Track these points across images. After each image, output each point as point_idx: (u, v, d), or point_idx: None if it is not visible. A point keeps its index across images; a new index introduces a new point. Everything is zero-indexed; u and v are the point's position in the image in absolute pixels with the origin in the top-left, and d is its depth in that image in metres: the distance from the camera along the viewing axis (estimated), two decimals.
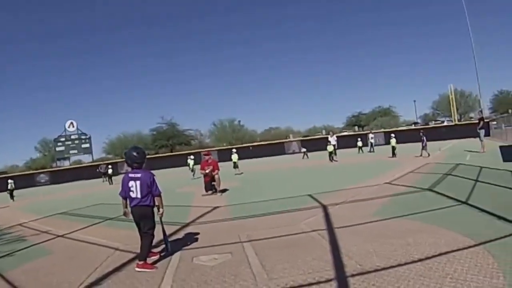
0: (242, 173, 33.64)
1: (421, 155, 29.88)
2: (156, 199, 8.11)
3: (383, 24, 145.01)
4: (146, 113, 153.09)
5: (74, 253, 10.05)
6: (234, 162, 35.64)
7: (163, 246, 9.20)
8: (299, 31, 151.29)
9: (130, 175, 8.03)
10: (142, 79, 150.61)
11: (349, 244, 7.73)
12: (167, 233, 9.29)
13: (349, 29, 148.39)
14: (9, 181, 38.05)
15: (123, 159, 77.64)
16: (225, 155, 55.75)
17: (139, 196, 7.90)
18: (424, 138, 31.02)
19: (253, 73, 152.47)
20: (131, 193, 7.95)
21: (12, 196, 36.04)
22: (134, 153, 8.15)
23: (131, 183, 7.94)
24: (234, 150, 37.83)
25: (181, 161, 55.40)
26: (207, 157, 20.54)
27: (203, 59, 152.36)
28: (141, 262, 7.62)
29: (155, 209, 8.17)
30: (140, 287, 6.65)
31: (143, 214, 7.96)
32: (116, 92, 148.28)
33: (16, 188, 37.65)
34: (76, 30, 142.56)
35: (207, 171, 19.67)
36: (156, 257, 8.28)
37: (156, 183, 8.06)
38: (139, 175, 7.98)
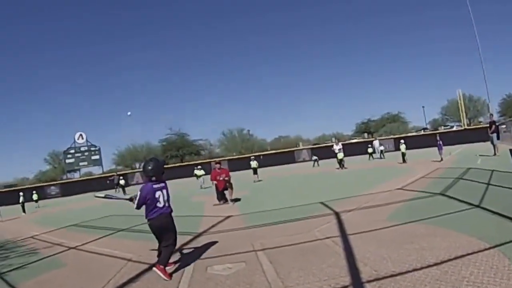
0: (261, 180, 34.14)
1: (441, 160, 29.94)
2: None
3: (391, 30, 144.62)
4: (154, 124, 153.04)
5: (87, 264, 10.12)
6: (254, 168, 36.05)
7: (178, 255, 9.37)
8: (306, 38, 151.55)
9: (155, 186, 8.05)
10: (149, 89, 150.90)
11: (363, 250, 7.72)
12: (181, 243, 9.41)
13: (357, 35, 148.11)
14: (20, 193, 38.50)
15: (134, 170, 77.94)
16: (235, 165, 55.88)
17: (166, 204, 8.08)
18: (441, 142, 31.22)
19: (261, 81, 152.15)
20: (157, 204, 7.99)
21: (23, 209, 36.35)
22: (149, 166, 8.15)
23: (158, 193, 8.00)
24: (253, 157, 38.44)
25: (190, 172, 55.33)
26: (217, 166, 20.56)
27: (211, 68, 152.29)
28: (161, 266, 7.71)
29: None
30: None
31: (171, 221, 8.15)
32: (124, 103, 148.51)
33: (26, 201, 38.05)
34: (84, 40, 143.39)
35: (220, 179, 19.60)
36: (172, 267, 8.28)
37: None
38: (163, 184, 8.15)
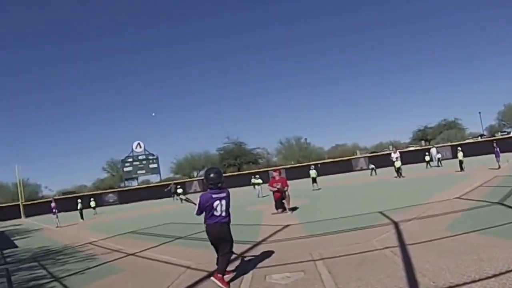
0: (319, 188, 34.18)
1: (499, 167, 29.57)
2: None
3: (444, 32, 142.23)
4: (212, 133, 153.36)
5: (146, 271, 10.38)
6: (313, 178, 36.02)
7: (237, 263, 9.46)
8: (362, 43, 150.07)
9: (214, 195, 8.14)
10: (206, 97, 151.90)
11: (421, 260, 7.71)
12: (240, 251, 9.71)
13: (412, 39, 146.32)
14: (79, 200, 39.63)
15: (192, 179, 78.47)
16: (293, 173, 55.86)
17: (223, 214, 8.10)
18: (498, 149, 30.83)
19: (317, 88, 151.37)
20: (214, 212, 8.07)
21: (81, 215, 37.33)
22: (211, 174, 8.32)
23: (217, 202, 8.08)
24: (312, 167, 38.17)
25: (248, 181, 55.75)
26: (275, 174, 20.72)
27: (267, 77, 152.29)
28: (219, 275, 7.76)
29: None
30: None
31: (226, 231, 8.17)
32: (181, 112, 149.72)
33: (84, 208, 39.24)
34: (140, 50, 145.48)
35: (276, 188, 19.73)
36: (230, 275, 8.40)
37: None
38: (224, 194, 8.19)
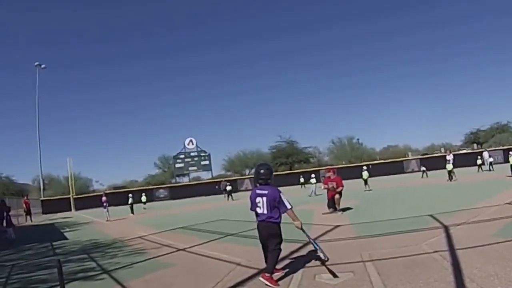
0: (371, 190, 34.34)
1: None
2: (288, 214, 8.28)
3: (497, 32, 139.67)
4: (264, 131, 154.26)
5: (196, 266, 10.52)
6: (365, 179, 36.16)
7: (287, 262, 9.53)
8: (413, 44, 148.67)
9: (257, 191, 8.27)
10: (259, 96, 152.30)
11: (470, 266, 7.67)
12: (290, 250, 9.89)
13: (465, 39, 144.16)
14: (130, 195, 40.20)
15: (243, 177, 78.82)
16: (345, 173, 55.70)
17: (265, 212, 8.11)
18: None
19: (370, 89, 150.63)
20: (257, 209, 8.20)
21: (132, 210, 37.99)
22: (261, 170, 8.44)
23: (258, 199, 8.18)
24: (364, 168, 38.34)
25: (298, 179, 55.88)
26: (329, 174, 20.85)
27: (320, 77, 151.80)
28: (267, 275, 7.79)
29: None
30: None
31: (270, 230, 8.13)
32: (234, 109, 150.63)
33: (135, 202, 39.91)
34: (195, 49, 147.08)
35: (329, 186, 19.86)
36: (279, 274, 8.45)
37: (283, 200, 8.17)
38: (266, 191, 8.16)
